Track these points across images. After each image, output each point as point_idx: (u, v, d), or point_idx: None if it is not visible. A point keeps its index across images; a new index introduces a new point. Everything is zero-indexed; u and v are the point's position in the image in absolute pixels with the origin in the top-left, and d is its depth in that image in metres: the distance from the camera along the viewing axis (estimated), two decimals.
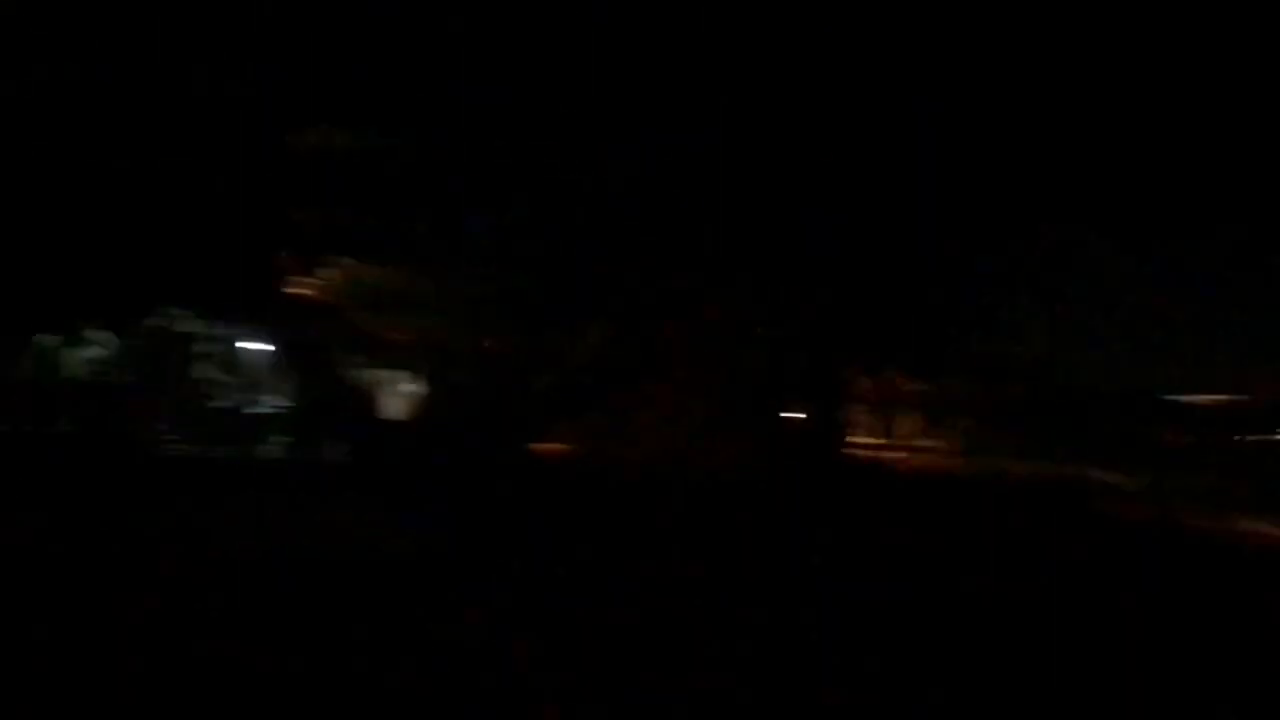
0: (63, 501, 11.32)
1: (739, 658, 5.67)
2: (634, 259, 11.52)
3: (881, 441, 31.45)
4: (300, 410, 17.41)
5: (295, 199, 12.60)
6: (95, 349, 19.27)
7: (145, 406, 18.35)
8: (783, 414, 20.29)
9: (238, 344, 19.09)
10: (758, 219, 11.50)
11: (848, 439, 28.40)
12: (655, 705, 4.79)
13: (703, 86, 8.93)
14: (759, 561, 9.17)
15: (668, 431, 14.95)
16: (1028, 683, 6.13)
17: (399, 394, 18.97)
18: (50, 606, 6.61)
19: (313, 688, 5.07)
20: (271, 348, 18.57)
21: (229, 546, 8.79)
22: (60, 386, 19.03)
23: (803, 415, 22.66)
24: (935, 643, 6.72)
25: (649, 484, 13.52)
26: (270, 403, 18.65)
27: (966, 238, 18.25)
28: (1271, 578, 11.51)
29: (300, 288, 16.44)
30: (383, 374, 20.85)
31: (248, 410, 18.77)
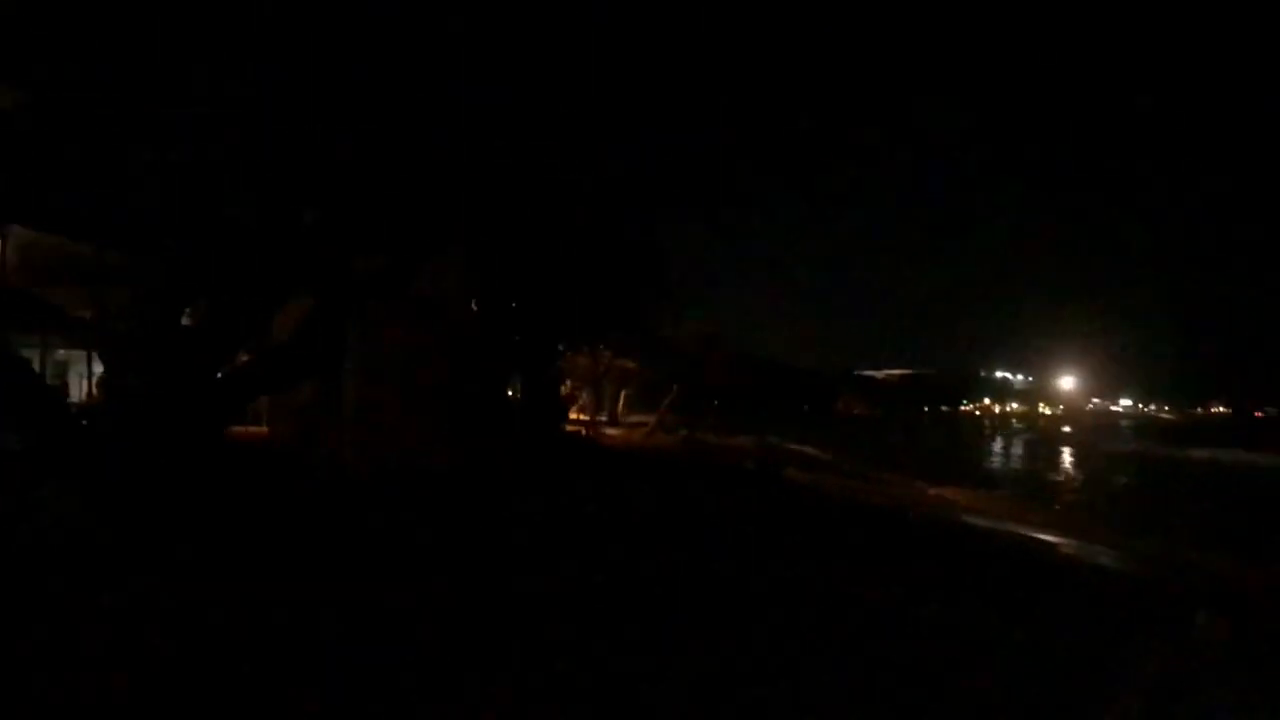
0: None
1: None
2: (336, 232, 10.91)
3: (599, 419, 32.50)
4: None
5: None
6: None
7: None
8: (499, 393, 20.28)
9: None
10: (463, 196, 11.26)
11: (568, 416, 29.03)
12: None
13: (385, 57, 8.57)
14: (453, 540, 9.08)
15: (374, 413, 14.43)
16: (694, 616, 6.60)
17: (84, 375, 17.14)
18: None
19: None
20: None
21: None
22: None
23: (521, 394, 22.83)
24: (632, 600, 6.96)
25: (337, 468, 13.01)
26: None
27: (672, 220, 19.01)
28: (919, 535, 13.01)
29: None
30: (68, 354, 18.74)
31: None
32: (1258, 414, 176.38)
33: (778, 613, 6.65)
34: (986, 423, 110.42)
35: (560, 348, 23.98)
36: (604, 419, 32.55)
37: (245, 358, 11.78)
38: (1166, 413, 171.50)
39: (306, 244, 10.56)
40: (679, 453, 25.14)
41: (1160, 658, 5.99)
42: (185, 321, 10.84)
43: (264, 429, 16.87)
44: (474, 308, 18.15)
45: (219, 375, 10.50)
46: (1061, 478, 31.23)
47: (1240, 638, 6.72)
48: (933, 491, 20.86)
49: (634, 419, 34.46)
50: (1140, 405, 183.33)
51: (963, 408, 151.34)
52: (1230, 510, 21.21)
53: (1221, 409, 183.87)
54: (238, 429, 15.46)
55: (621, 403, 36.07)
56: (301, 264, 10.34)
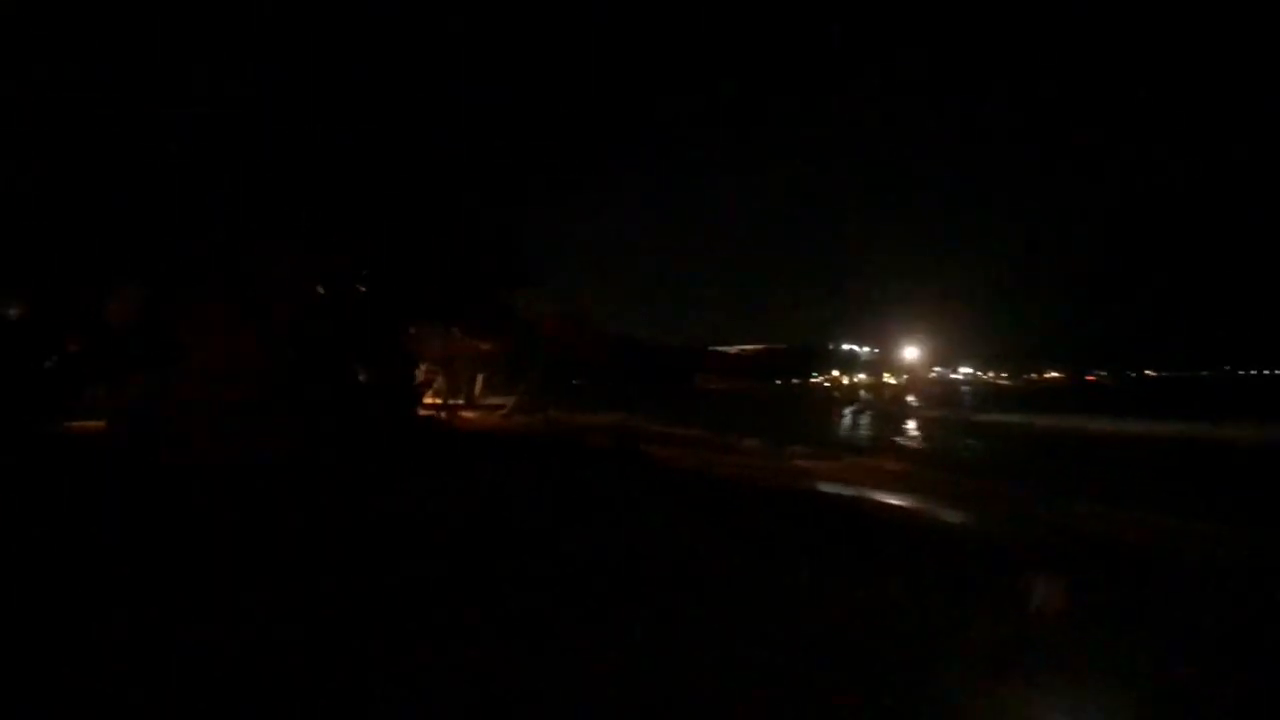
0: None
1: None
2: (173, 215, 10.21)
3: (455, 402, 31.72)
4: None
5: None
6: None
7: None
8: (346, 379, 19.40)
9: None
10: (304, 178, 10.66)
11: (422, 400, 28.19)
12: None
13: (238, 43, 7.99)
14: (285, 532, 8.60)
15: (217, 401, 13.50)
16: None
17: None
18: None
19: None
20: None
21: None
22: None
23: (370, 379, 21.93)
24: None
25: (166, 462, 12.11)
26: None
27: (523, 200, 18.65)
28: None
29: None
30: None
31: None
32: (1089, 378, 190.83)
33: (627, 585, 6.88)
34: (836, 393, 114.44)
35: (411, 330, 23.24)
36: (461, 402, 31.82)
37: (75, 348, 11.04)
38: (1004, 379, 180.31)
39: (129, 227, 9.86)
40: (538, 432, 25.05)
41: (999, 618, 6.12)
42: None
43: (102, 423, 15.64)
44: (320, 291, 17.29)
45: (46, 365, 9.83)
46: (908, 444, 32.57)
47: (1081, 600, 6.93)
48: (786, 461, 21.37)
49: (492, 401, 33.87)
50: (979, 373, 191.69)
51: (813, 380, 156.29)
52: (1067, 471, 22.61)
53: (1055, 374, 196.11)
54: (76, 424, 14.33)
55: (479, 384, 35.36)
56: (124, 248, 9.68)
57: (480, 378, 35.38)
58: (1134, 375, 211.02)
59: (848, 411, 58.15)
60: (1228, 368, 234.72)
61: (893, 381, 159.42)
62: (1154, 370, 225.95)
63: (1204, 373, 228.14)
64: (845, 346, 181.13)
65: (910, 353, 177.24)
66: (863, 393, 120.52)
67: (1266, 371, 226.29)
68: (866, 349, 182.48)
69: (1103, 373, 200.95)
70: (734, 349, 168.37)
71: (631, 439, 22.57)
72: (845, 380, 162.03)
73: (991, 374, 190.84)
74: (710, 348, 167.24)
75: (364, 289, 18.88)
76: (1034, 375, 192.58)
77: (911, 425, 42.51)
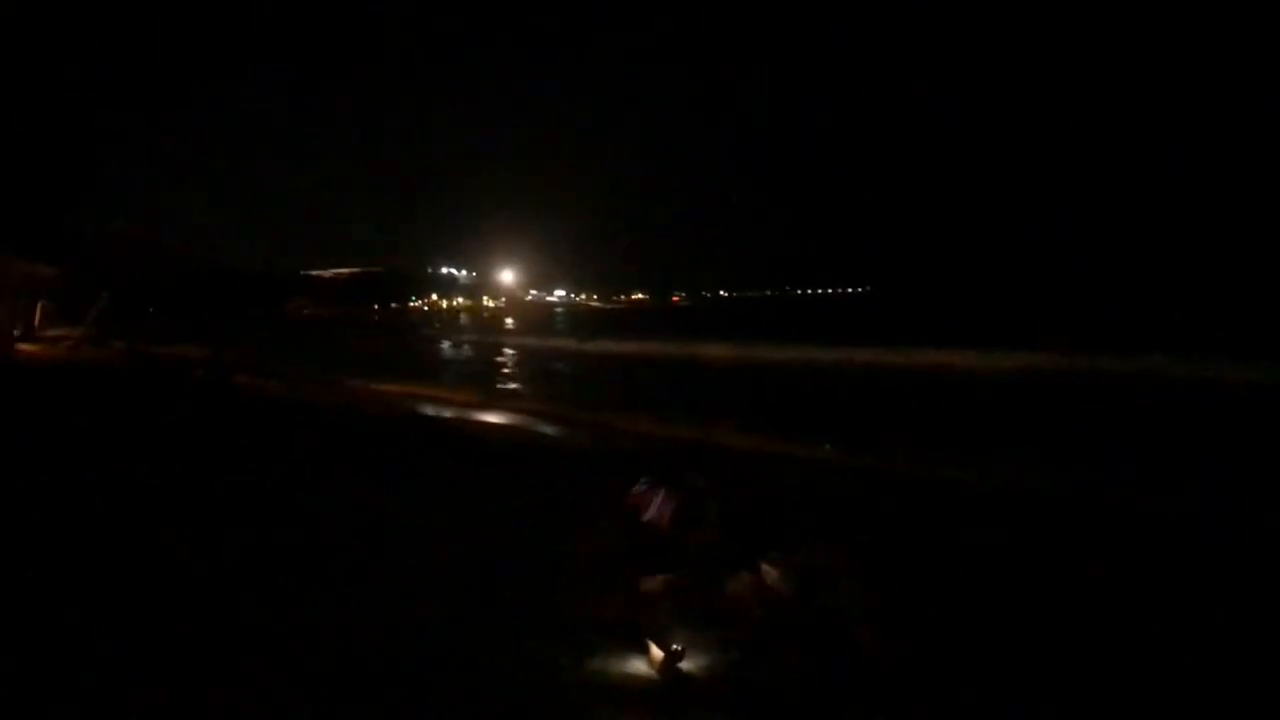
0: None
1: None
2: None
3: (13, 334, 28.33)
4: None
5: None
6: None
7: None
8: None
9: None
10: None
11: None
12: None
13: None
14: None
15: None
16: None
17: None
18: None
19: None
20: None
21: None
22: None
23: None
24: None
25: None
26: None
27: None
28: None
29: None
30: None
31: None
32: (675, 299, 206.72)
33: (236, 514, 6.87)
34: (435, 318, 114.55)
35: None
36: (18, 334, 28.52)
37: None
38: (596, 301, 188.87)
39: None
40: (117, 366, 23.19)
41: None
42: None
43: None
44: None
45: None
46: (506, 368, 33.47)
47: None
48: (384, 387, 21.52)
49: (56, 333, 30.61)
50: (573, 295, 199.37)
51: (412, 304, 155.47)
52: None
53: (641, 296, 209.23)
54: None
55: (39, 315, 31.80)
56: None
57: (40, 307, 31.79)
58: (708, 295, 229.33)
59: (448, 335, 58.25)
60: (787, 287, 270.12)
61: (492, 304, 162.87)
62: (726, 291, 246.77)
63: (767, 292, 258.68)
64: (444, 270, 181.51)
65: (508, 276, 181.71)
66: (462, 316, 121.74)
67: (818, 291, 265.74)
68: (465, 272, 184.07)
69: (682, 294, 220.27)
70: (329, 273, 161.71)
71: (223, 369, 21.56)
72: (445, 304, 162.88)
73: (584, 296, 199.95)
74: (303, 272, 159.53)
75: None
76: (622, 297, 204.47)
77: (509, 350, 42.66)
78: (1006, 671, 4.11)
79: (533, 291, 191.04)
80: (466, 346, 46.54)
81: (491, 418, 16.09)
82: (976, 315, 61.60)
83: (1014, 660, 4.24)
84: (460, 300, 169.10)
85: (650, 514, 4.55)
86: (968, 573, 5.57)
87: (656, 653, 4.03)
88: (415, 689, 3.85)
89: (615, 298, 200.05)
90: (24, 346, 27.16)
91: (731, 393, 22.54)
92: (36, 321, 31.41)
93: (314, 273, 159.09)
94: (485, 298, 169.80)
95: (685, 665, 4.01)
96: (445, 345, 47.98)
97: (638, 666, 4.07)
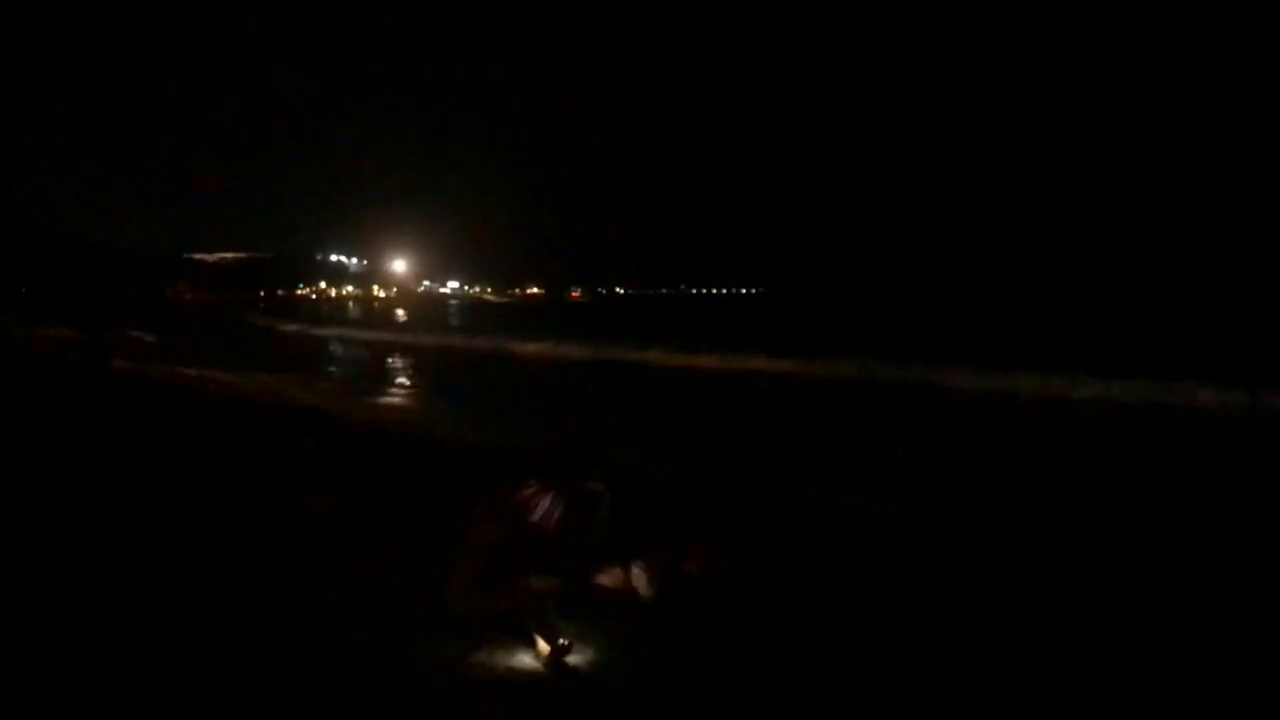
0: None
1: None
2: None
3: None
4: None
5: None
6: None
7: None
8: None
9: None
10: None
11: None
12: None
13: None
14: None
15: None
16: None
17: None
18: None
19: None
20: None
21: None
22: None
23: None
24: None
25: None
26: None
27: None
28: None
29: None
30: None
31: None
32: (573, 294, 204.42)
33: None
34: (323, 307, 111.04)
35: None
36: None
37: None
38: (490, 294, 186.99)
39: None
40: None
41: None
42: None
43: None
44: None
45: None
46: (391, 366, 29.76)
47: None
48: (266, 378, 20.21)
49: None
50: (466, 287, 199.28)
51: (299, 292, 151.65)
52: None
53: (536, 290, 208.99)
54: None
55: None
56: None
57: None
58: (604, 292, 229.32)
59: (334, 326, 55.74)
60: (683, 286, 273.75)
61: (382, 294, 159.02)
62: (623, 288, 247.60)
63: (663, 290, 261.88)
64: (334, 257, 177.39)
65: (400, 266, 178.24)
66: (351, 305, 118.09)
67: (714, 290, 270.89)
68: (356, 260, 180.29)
69: (579, 289, 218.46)
70: (213, 257, 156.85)
71: (99, 354, 21.18)
72: (333, 292, 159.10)
73: (479, 288, 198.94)
74: (187, 255, 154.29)
75: None
76: (517, 290, 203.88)
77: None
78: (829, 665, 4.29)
79: (425, 282, 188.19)
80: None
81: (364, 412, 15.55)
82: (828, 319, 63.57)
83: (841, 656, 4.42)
84: (350, 289, 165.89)
85: (538, 514, 4.59)
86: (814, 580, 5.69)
87: (543, 647, 4.19)
88: (298, 684, 3.85)
89: (509, 291, 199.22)
90: None
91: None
92: None
93: (198, 256, 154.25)
94: (376, 287, 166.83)
95: (572, 659, 4.16)
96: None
97: (524, 661, 4.18)
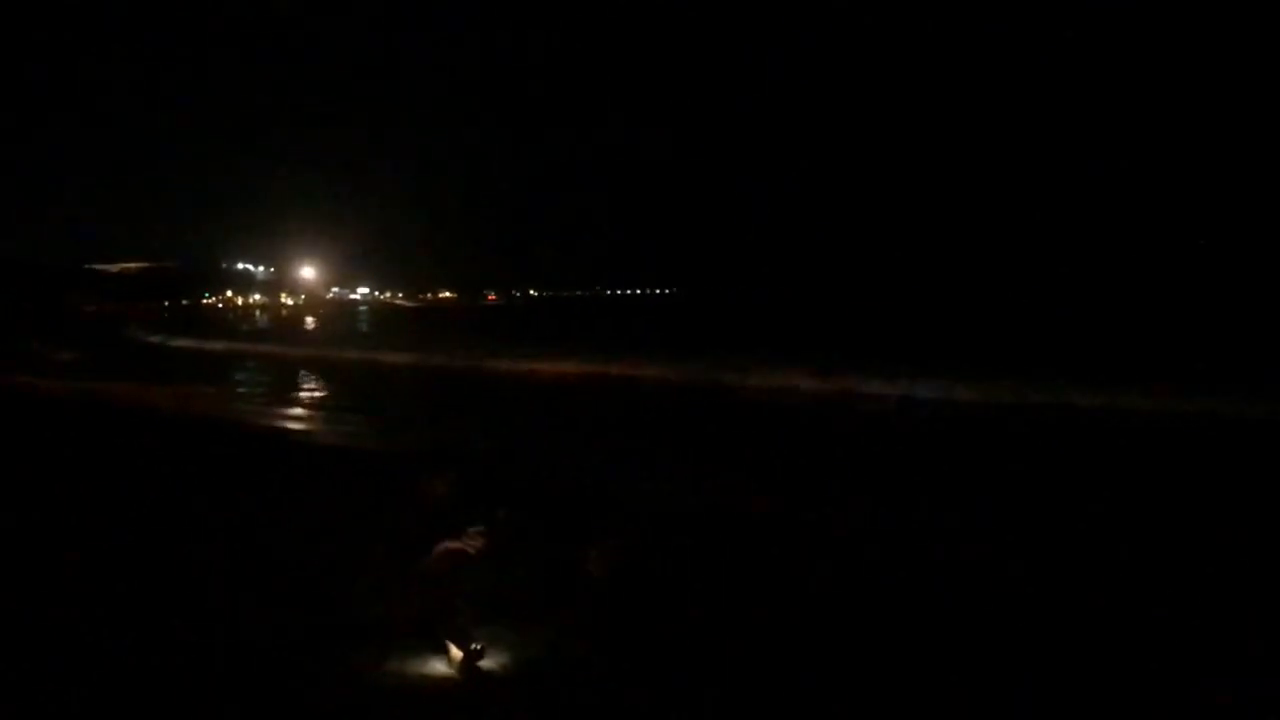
0: None
1: None
2: None
3: None
4: None
5: None
6: None
7: None
8: None
9: None
10: None
11: None
12: None
13: None
14: None
15: None
16: None
17: None
18: None
19: None
20: None
21: None
22: None
23: None
24: None
25: None
26: None
27: None
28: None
29: None
30: None
31: None
32: (491, 298, 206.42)
33: None
34: (229, 315, 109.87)
35: None
36: None
37: None
38: (401, 299, 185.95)
39: None
40: None
41: None
42: None
43: None
44: None
45: None
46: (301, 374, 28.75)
47: None
48: (170, 389, 20.05)
49: None
50: (377, 293, 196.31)
51: (205, 301, 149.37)
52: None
53: (449, 294, 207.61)
54: None
55: None
56: None
57: None
58: (519, 294, 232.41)
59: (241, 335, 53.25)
60: (598, 288, 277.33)
61: (291, 302, 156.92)
62: (537, 290, 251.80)
63: (579, 292, 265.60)
64: (240, 265, 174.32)
65: (308, 273, 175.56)
66: (259, 314, 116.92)
67: (629, 291, 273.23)
68: (263, 268, 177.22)
69: (494, 293, 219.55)
70: (115, 267, 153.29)
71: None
72: (240, 300, 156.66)
73: (389, 294, 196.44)
74: (87, 265, 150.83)
75: None
76: (429, 295, 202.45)
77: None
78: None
79: (334, 289, 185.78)
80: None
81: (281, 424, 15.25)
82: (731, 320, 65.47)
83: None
84: (257, 297, 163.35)
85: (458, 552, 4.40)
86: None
87: (456, 652, 4.16)
88: (205, 694, 3.85)
89: (421, 296, 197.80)
90: None
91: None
92: None
93: (99, 267, 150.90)
94: (283, 295, 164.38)
95: (485, 663, 4.14)
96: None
97: (437, 667, 4.14)
